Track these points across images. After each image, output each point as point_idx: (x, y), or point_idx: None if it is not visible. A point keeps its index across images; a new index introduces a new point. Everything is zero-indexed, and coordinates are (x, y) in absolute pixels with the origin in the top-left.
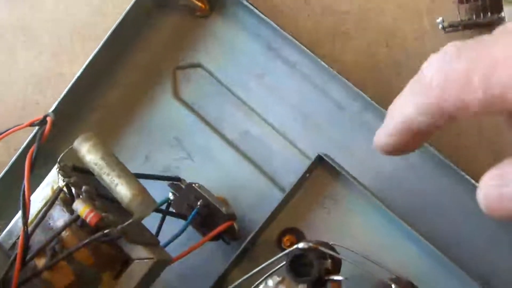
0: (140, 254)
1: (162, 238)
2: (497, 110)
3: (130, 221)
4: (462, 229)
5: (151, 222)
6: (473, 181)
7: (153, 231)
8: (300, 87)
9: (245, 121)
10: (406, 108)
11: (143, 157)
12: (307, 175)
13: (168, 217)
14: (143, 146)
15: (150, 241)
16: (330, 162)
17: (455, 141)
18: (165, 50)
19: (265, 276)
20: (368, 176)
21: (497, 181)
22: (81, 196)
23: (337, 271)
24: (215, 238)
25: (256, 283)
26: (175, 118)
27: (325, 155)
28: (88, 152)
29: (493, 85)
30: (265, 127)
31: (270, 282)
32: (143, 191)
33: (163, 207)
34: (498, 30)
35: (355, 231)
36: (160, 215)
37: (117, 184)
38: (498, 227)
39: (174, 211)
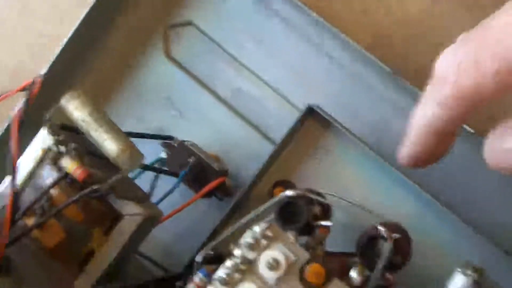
0: (130, 209)
1: (157, 198)
2: None
3: (119, 175)
4: (457, 176)
5: (144, 181)
6: (468, 129)
7: (147, 191)
8: (292, 42)
9: (237, 77)
10: (426, 110)
11: (135, 119)
12: (298, 126)
13: (162, 177)
14: (135, 108)
15: (140, 197)
16: (321, 112)
17: None
18: (155, 9)
19: (252, 223)
20: (359, 127)
21: (502, 137)
22: (69, 154)
23: (326, 217)
24: (208, 195)
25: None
26: (167, 77)
27: (316, 106)
28: (75, 109)
29: (503, 60)
30: (257, 83)
31: (257, 229)
32: (130, 146)
33: (156, 166)
34: (500, 9)
35: (346, 180)
36: (153, 175)
37: (104, 140)
38: (494, 175)
39: (167, 169)
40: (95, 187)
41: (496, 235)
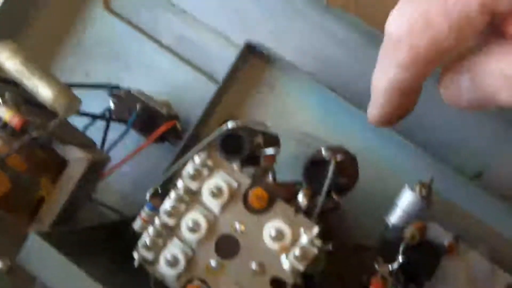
0: (75, 155)
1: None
2: (468, 33)
3: (56, 120)
4: None
5: (96, 133)
6: None
7: (99, 142)
8: None
9: (179, 23)
10: (387, 74)
11: (83, 75)
12: (239, 64)
13: (115, 128)
14: (82, 64)
15: (85, 142)
16: (260, 47)
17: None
18: None
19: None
20: (301, 59)
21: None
22: (5, 103)
23: (271, 146)
24: (161, 140)
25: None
26: (110, 30)
27: (254, 41)
28: (7, 59)
29: (452, 10)
30: (199, 26)
31: (197, 159)
32: (65, 89)
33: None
34: None
35: (293, 112)
36: (104, 126)
37: (38, 87)
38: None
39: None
40: (34, 134)
41: (444, 154)
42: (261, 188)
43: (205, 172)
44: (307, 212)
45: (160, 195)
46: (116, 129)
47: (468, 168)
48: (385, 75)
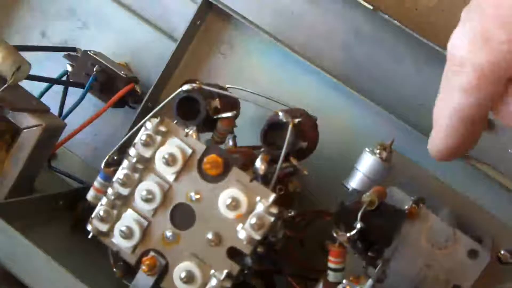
0: (28, 122)
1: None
2: None
3: (5, 85)
4: (362, 59)
5: (54, 98)
6: (368, 5)
7: (57, 107)
8: None
9: None
10: (451, 101)
11: (39, 35)
12: (198, 22)
13: (74, 93)
14: (37, 23)
15: (38, 108)
16: (219, 5)
17: None
18: None
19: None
20: (265, 16)
21: None
22: None
23: (229, 110)
24: (121, 104)
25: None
26: None
27: None
28: None
29: (508, 21)
30: None
31: (149, 125)
32: (12, 53)
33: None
34: None
35: (254, 73)
36: (62, 90)
37: None
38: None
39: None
40: None
41: (404, 113)
42: (215, 155)
43: (158, 139)
44: (265, 177)
45: (116, 163)
46: (74, 93)
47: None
48: (448, 103)
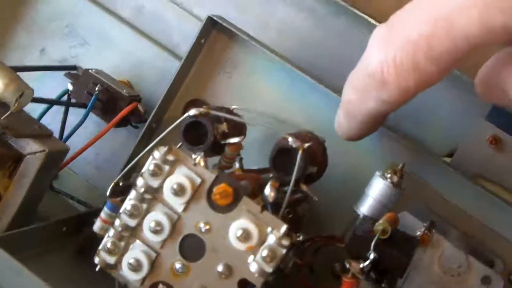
0: (31, 148)
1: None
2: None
3: (8, 113)
4: None
5: (55, 118)
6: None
7: (59, 127)
8: None
9: None
10: (368, 103)
11: (38, 52)
12: (202, 40)
13: (75, 112)
14: (37, 41)
15: (41, 133)
16: (224, 23)
17: None
18: None
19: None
20: (267, 32)
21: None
22: None
23: (237, 133)
24: (123, 123)
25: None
26: (64, 4)
27: (218, 16)
28: None
29: (440, 57)
30: None
31: (157, 154)
32: (15, 79)
33: (64, 99)
34: None
35: (260, 92)
36: (63, 110)
37: None
38: None
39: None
40: None
41: (415, 134)
42: (225, 184)
43: (166, 168)
44: (276, 205)
45: (121, 190)
46: (76, 112)
47: (439, 148)
48: (365, 104)
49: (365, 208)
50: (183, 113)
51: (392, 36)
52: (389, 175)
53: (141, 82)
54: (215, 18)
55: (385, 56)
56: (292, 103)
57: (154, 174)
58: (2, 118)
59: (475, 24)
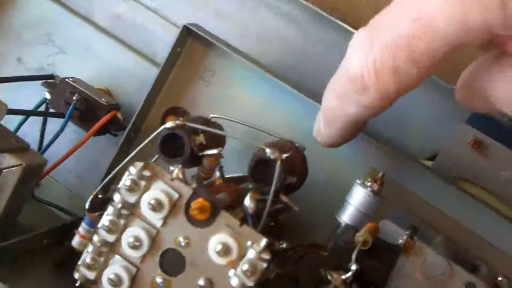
0: (8, 162)
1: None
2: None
3: None
4: None
5: (34, 128)
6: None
7: (37, 137)
8: None
9: (115, 3)
10: (348, 109)
11: (15, 60)
12: (178, 49)
13: (54, 121)
14: (13, 49)
15: (18, 146)
16: (199, 32)
17: None
18: None
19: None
20: (247, 39)
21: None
22: None
23: (215, 144)
24: (102, 132)
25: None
26: (41, 13)
27: (193, 24)
28: None
29: (420, 59)
30: (135, 5)
31: (133, 170)
32: None
33: (42, 109)
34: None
35: (238, 100)
36: (41, 120)
37: None
38: None
39: (53, 111)
40: None
41: (394, 137)
42: (203, 199)
43: (142, 183)
44: (256, 215)
45: (101, 202)
46: (55, 121)
47: (420, 152)
48: (346, 110)
49: (346, 216)
50: (162, 122)
51: (371, 39)
52: (369, 184)
53: (120, 90)
54: (190, 27)
55: (365, 59)
56: (271, 111)
57: (130, 189)
58: None
59: (454, 23)
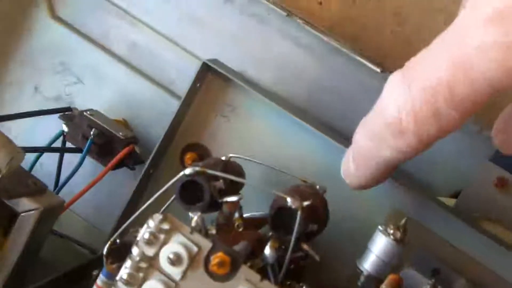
0: (25, 206)
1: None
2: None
3: None
4: None
5: (51, 160)
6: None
7: (54, 170)
8: None
9: (131, 32)
10: (383, 152)
11: (32, 89)
12: (198, 84)
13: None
14: (30, 77)
15: (35, 189)
16: (218, 68)
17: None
18: None
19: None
20: (265, 69)
21: None
22: None
23: (235, 188)
24: (119, 165)
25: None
26: (57, 41)
27: (212, 60)
28: None
29: (461, 102)
30: (153, 35)
31: (151, 223)
32: (4, 143)
33: (60, 141)
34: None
35: (258, 136)
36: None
37: None
38: None
39: (70, 145)
40: None
41: (416, 175)
42: (222, 253)
43: (161, 236)
44: (275, 265)
45: (118, 247)
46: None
47: (444, 189)
48: (380, 153)
49: (368, 265)
50: (181, 158)
51: (409, 83)
52: (391, 231)
53: (137, 120)
54: (209, 63)
55: (403, 103)
56: (291, 147)
57: (149, 243)
58: None
59: (495, 67)
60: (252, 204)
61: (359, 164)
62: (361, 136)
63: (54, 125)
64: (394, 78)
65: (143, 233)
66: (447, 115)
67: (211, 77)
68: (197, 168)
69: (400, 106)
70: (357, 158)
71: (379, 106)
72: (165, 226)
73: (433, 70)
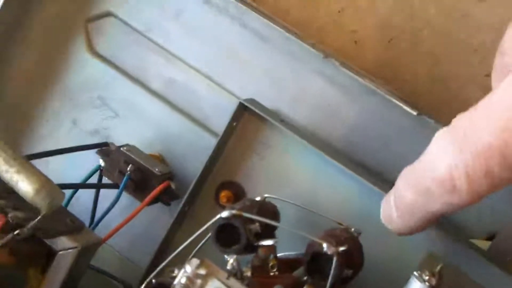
0: (63, 244)
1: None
2: None
3: (39, 218)
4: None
5: (87, 194)
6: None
7: (90, 204)
8: (218, 23)
9: (168, 68)
10: (432, 206)
11: (70, 123)
12: (234, 123)
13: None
14: (68, 111)
15: (73, 228)
16: (255, 108)
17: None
18: (70, 2)
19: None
20: (300, 107)
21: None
22: None
23: (270, 231)
24: (154, 201)
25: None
26: (95, 75)
27: (249, 100)
28: None
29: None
30: (189, 71)
31: (188, 268)
32: (45, 184)
33: (96, 176)
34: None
35: (292, 175)
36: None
37: (17, 181)
38: None
39: (107, 180)
40: (16, 232)
41: (457, 218)
42: None
43: (198, 282)
44: None
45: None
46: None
47: (478, 230)
48: (429, 206)
49: None
50: (216, 196)
51: (459, 145)
52: (427, 277)
53: (173, 155)
54: (245, 103)
55: (455, 164)
56: (325, 187)
57: (186, 287)
58: (32, 224)
59: None
60: (286, 243)
61: (403, 213)
62: (405, 187)
63: (91, 159)
64: (442, 136)
65: (180, 277)
66: (500, 176)
67: (247, 116)
68: (233, 211)
69: (452, 166)
70: (401, 208)
71: (427, 162)
72: (202, 271)
73: (485, 136)
